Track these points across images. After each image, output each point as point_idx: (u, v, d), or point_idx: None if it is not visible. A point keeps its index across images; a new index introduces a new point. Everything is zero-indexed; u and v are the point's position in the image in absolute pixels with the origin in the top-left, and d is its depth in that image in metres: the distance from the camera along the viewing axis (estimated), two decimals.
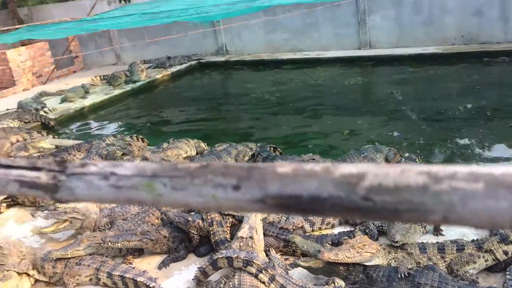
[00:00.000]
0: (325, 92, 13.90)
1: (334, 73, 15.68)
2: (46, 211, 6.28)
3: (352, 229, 5.52)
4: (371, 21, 16.78)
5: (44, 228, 6.16)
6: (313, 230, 5.78)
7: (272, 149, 8.17)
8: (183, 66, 18.93)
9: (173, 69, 18.50)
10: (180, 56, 19.39)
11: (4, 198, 7.46)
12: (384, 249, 4.73)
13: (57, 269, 5.30)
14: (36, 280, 5.41)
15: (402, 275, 4.29)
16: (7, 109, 15.07)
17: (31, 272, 5.34)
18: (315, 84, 14.88)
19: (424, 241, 4.99)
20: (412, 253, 4.71)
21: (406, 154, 7.11)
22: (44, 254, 5.41)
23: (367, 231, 5.35)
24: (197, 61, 19.47)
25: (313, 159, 6.69)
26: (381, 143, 9.17)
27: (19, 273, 5.20)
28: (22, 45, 18.94)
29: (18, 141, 10.52)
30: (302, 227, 5.72)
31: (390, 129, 10.09)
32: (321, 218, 5.75)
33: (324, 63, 16.76)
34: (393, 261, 4.64)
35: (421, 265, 4.61)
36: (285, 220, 5.66)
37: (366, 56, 16.40)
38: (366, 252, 4.58)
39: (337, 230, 5.73)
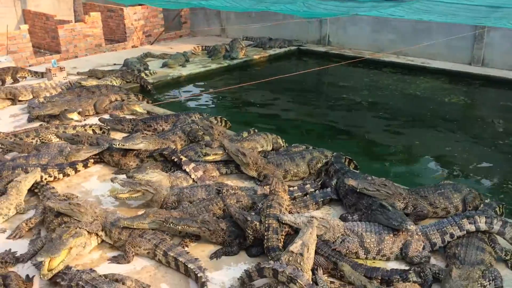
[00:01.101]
0: (422, 105, 13.20)
1: (437, 87, 14.81)
2: (124, 179, 6.82)
3: (407, 268, 5.36)
4: (489, 38, 15.52)
5: (120, 193, 6.70)
6: (366, 258, 5.69)
7: (347, 161, 8.05)
8: (282, 50, 19.02)
9: (272, 52, 18.66)
10: (281, 39, 19.47)
11: (93, 155, 8.19)
12: None
13: (122, 236, 5.79)
14: (102, 241, 5.95)
15: None
16: (114, 63, 16.33)
17: (100, 233, 5.89)
18: (413, 95, 14.20)
19: None
20: None
21: (487, 200, 6.63)
22: (114, 219, 5.92)
23: (421, 274, 5.16)
24: (297, 47, 19.43)
25: (385, 184, 6.49)
26: (466, 177, 8.68)
27: (89, 232, 5.75)
28: (139, 5, 20.16)
29: (116, 100, 11.41)
30: (356, 252, 5.66)
31: (480, 161, 9.44)
32: (377, 248, 5.64)
33: (428, 73, 15.90)
34: None
35: None
36: (340, 243, 5.62)
37: (475, 74, 15.25)
38: None
39: (391, 264, 5.59)
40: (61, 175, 7.65)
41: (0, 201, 6.50)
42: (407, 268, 5.35)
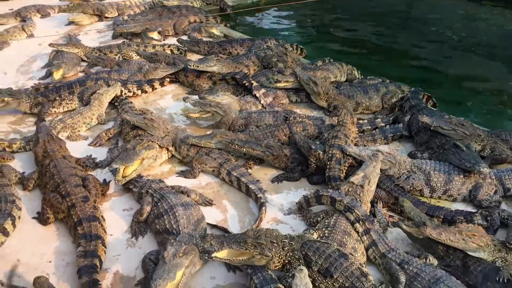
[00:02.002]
0: None
1: None
2: (195, 99, 7.01)
3: (474, 211, 5.13)
4: None
5: (191, 113, 6.94)
6: (431, 197, 5.52)
7: (425, 98, 7.60)
8: None
9: None
10: None
11: (169, 74, 8.46)
12: (495, 245, 4.35)
13: (190, 153, 6.06)
14: (172, 156, 6.29)
15: (501, 279, 3.99)
16: None
17: (170, 148, 6.21)
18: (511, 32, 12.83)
19: None
20: None
21: None
22: (184, 136, 6.19)
23: (488, 218, 4.93)
24: None
25: (463, 124, 6.08)
26: None
27: (160, 146, 6.09)
28: None
29: (195, 21, 11.49)
30: (421, 190, 5.49)
31: None
32: (444, 188, 5.43)
33: None
34: (500, 261, 4.28)
35: None
36: (405, 179, 5.47)
37: None
38: (473, 242, 4.29)
39: (457, 205, 5.39)
40: (139, 91, 8.03)
41: (84, 111, 7.03)
42: (473, 211, 5.13)
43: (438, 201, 5.47)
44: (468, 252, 4.35)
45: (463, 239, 4.33)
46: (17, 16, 12.20)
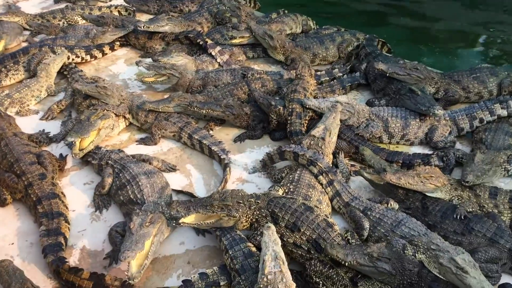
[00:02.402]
0: None
1: None
2: (149, 62, 6.77)
3: (430, 153, 5.30)
4: None
5: (146, 77, 6.71)
6: (390, 143, 5.65)
7: (380, 44, 7.63)
8: None
9: None
10: None
11: (119, 37, 8.10)
12: (451, 184, 4.55)
13: (148, 119, 5.92)
14: (130, 123, 6.12)
15: (458, 216, 4.19)
16: None
17: (127, 115, 6.03)
18: None
19: (500, 186, 4.69)
20: (480, 195, 4.46)
21: None
22: (140, 102, 6.01)
23: (444, 158, 5.10)
24: None
25: (417, 68, 6.15)
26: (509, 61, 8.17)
27: (116, 115, 5.90)
28: None
29: None
30: (380, 137, 5.61)
31: None
32: (402, 133, 5.56)
33: None
34: (456, 199, 4.49)
35: (484, 210, 4.41)
36: (364, 127, 5.56)
37: None
38: (431, 184, 4.46)
39: (415, 149, 5.55)
40: (88, 57, 7.65)
41: (31, 83, 6.67)
42: (430, 153, 5.29)
43: (397, 147, 5.62)
44: (427, 193, 4.53)
45: (421, 181, 4.49)
46: None
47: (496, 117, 5.43)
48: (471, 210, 4.34)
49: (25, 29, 8.84)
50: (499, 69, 6.36)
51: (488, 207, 4.43)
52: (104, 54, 7.89)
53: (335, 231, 3.95)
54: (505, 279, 3.86)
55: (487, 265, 3.87)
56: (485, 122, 5.47)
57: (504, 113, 5.40)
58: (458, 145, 5.50)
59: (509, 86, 6.09)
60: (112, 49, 8.03)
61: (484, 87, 6.13)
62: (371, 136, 5.55)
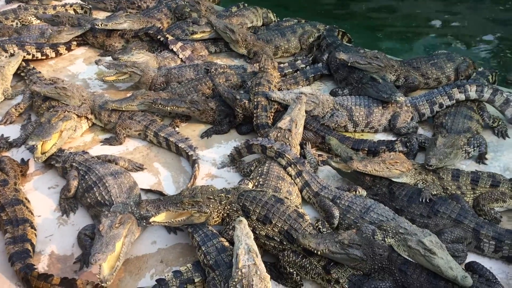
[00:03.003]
0: None
1: None
2: (109, 61, 6.62)
3: (394, 139, 5.44)
4: None
5: (107, 76, 6.56)
6: (355, 131, 5.77)
7: (341, 34, 7.74)
8: None
9: None
10: None
11: (76, 37, 7.87)
12: (416, 169, 4.68)
13: (112, 119, 5.80)
14: (93, 124, 5.98)
15: (423, 200, 4.33)
16: None
17: (90, 116, 5.89)
18: None
19: (462, 168, 4.88)
20: (443, 178, 4.63)
21: (480, 69, 6.48)
22: (102, 102, 5.88)
23: (408, 144, 5.24)
24: None
25: (377, 57, 6.28)
26: (467, 46, 8.43)
27: (78, 116, 5.75)
28: None
29: None
30: (345, 126, 5.71)
31: (480, 32, 9.07)
32: (366, 121, 5.68)
33: None
34: (421, 182, 4.63)
35: (448, 192, 4.58)
36: (329, 117, 5.64)
37: None
38: (396, 169, 4.58)
39: (379, 136, 5.68)
40: (39, 54, 7.40)
41: None
42: (394, 139, 5.43)
43: (362, 135, 5.74)
44: (393, 179, 4.65)
45: (387, 168, 4.60)
46: None
47: (454, 101, 5.61)
48: (435, 193, 4.47)
49: None
50: (455, 54, 6.56)
51: (452, 189, 4.59)
52: (58, 53, 7.64)
53: (306, 221, 4.00)
54: (470, 257, 4.00)
55: (454, 245, 4.01)
56: (444, 106, 5.65)
57: (462, 97, 5.59)
58: (420, 130, 5.66)
59: (466, 70, 6.32)
60: (69, 49, 7.79)
61: (442, 72, 6.33)
62: (336, 125, 5.64)
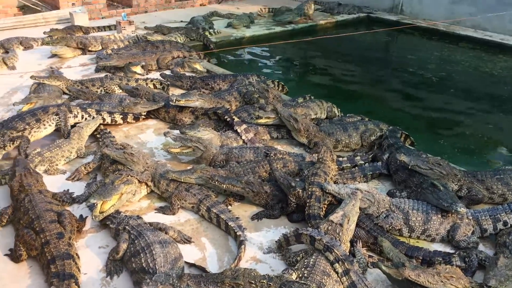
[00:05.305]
0: (497, 86, 12.30)
1: None
2: (176, 134, 7.01)
3: (452, 251, 5.16)
4: None
5: (172, 148, 6.91)
6: (410, 237, 5.54)
7: (403, 136, 7.75)
8: (351, 16, 18.35)
9: (339, 17, 18.07)
10: (351, 6, 18.77)
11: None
12: (472, 287, 4.38)
13: (169, 188, 6.01)
14: (151, 191, 6.21)
15: None
16: (181, 21, 16.52)
17: (149, 183, 6.14)
18: (488, 74, 13.23)
19: None
20: None
21: None
22: (163, 171, 6.14)
23: (466, 259, 4.95)
24: (367, 14, 18.64)
25: (439, 164, 6.19)
26: None
27: (139, 181, 6.02)
28: None
29: (178, 56, 11.61)
30: (400, 230, 5.52)
31: None
32: (422, 227, 5.47)
33: (508, 52, 14.73)
34: None
35: None
36: (384, 218, 5.50)
37: None
38: (451, 285, 4.29)
39: (436, 246, 5.41)
40: (109, 120, 7.95)
41: (63, 144, 6.94)
42: (452, 252, 5.15)
43: (417, 241, 5.49)
44: None
45: (442, 281, 4.33)
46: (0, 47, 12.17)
47: None
48: None
49: (64, 93, 9.33)
50: None
51: None
52: (126, 121, 8.18)
53: None
54: None
55: None
56: (509, 225, 5.35)
57: None
58: (480, 247, 5.34)
59: None
60: (137, 119, 8.32)
61: (509, 189, 6.07)
62: (390, 227, 5.46)
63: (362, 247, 5.21)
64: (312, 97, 9.07)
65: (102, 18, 17.21)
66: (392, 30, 16.82)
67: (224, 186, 5.91)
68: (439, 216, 5.46)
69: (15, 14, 15.98)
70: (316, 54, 15.14)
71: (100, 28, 14.90)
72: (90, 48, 12.40)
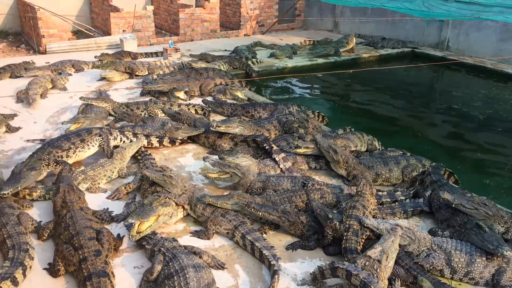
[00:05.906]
0: None
1: None
2: (215, 159, 7.08)
3: None
4: None
5: (210, 172, 6.98)
6: (452, 278, 5.29)
7: (447, 174, 7.51)
8: (395, 50, 18.21)
9: (383, 51, 17.98)
10: (395, 40, 18.66)
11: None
12: None
13: (206, 212, 6.03)
14: (187, 214, 6.25)
15: None
16: (225, 50, 16.94)
17: (186, 206, 6.19)
18: None
19: None
20: None
21: None
22: (200, 195, 6.19)
23: None
24: (411, 49, 18.46)
25: (485, 204, 5.93)
26: None
27: (176, 204, 6.08)
28: None
29: (221, 84, 11.86)
30: (441, 270, 5.28)
31: None
32: (465, 269, 5.21)
33: None
34: None
35: None
36: (425, 257, 5.28)
37: None
38: None
39: None
40: (145, 142, 8.11)
41: (106, 163, 7.14)
42: None
43: (459, 284, 5.24)
44: None
45: None
46: (53, 69, 12.81)
47: None
48: None
49: (110, 114, 9.68)
50: None
51: None
52: (162, 144, 8.34)
53: None
54: None
55: None
56: None
57: None
58: None
59: None
60: (172, 142, 8.46)
61: None
62: (431, 267, 5.23)
63: (401, 286, 5.01)
64: (353, 129, 8.99)
65: (150, 44, 17.91)
66: (438, 66, 16.55)
67: (260, 213, 5.88)
68: (484, 258, 5.20)
69: (69, 38, 16.87)
70: (358, 87, 15.07)
71: (147, 54, 15.50)
72: (137, 73, 12.87)
